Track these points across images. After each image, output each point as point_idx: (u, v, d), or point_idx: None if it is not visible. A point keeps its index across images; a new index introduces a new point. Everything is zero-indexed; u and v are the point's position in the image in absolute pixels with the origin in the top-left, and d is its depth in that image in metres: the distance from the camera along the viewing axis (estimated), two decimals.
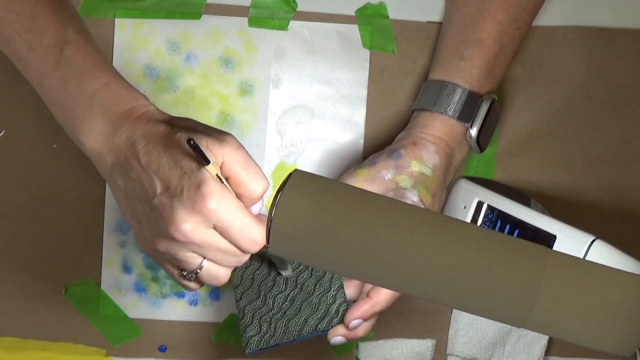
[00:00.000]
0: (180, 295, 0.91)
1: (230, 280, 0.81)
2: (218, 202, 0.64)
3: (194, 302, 0.91)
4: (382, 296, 0.75)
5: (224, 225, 0.65)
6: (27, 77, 0.73)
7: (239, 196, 0.66)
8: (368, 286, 0.76)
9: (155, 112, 0.70)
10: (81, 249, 0.90)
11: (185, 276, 0.69)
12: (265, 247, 0.67)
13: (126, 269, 0.90)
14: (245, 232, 0.66)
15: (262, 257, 0.79)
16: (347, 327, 0.75)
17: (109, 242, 0.90)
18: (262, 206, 0.69)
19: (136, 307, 0.91)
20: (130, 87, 0.71)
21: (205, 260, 0.67)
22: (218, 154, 0.66)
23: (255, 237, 0.66)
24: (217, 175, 0.65)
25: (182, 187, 0.65)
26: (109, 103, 0.70)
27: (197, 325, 0.91)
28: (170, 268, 0.70)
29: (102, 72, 0.71)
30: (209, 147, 0.66)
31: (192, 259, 0.67)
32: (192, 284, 0.70)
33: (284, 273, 0.77)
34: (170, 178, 0.65)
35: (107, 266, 0.90)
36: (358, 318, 0.75)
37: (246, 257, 0.69)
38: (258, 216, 0.67)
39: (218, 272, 0.68)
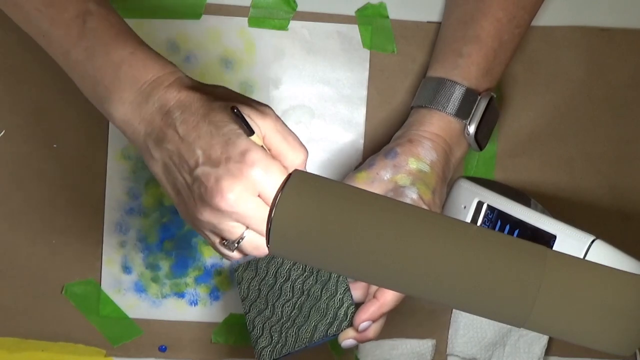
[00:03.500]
0: (180, 295, 0.91)
1: (235, 277, 0.81)
2: (265, 169, 0.64)
3: (193, 302, 0.91)
4: (389, 297, 0.75)
5: (270, 193, 0.64)
6: (51, 53, 0.72)
7: None
8: (374, 287, 0.76)
9: (186, 79, 0.69)
10: (81, 249, 0.90)
11: (226, 245, 0.68)
12: None
13: (126, 269, 0.90)
14: None
15: (267, 267, 0.79)
16: (356, 330, 0.75)
17: (109, 242, 0.90)
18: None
19: (136, 307, 0.91)
20: (157, 55, 0.70)
21: (248, 229, 0.67)
22: (260, 124, 0.66)
23: None
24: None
25: (227, 155, 0.64)
26: (138, 72, 0.69)
27: (197, 325, 0.91)
28: (211, 237, 0.69)
29: (127, 41, 0.70)
30: (251, 117, 0.66)
31: (236, 228, 0.66)
32: (234, 253, 0.69)
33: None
34: (213, 146, 0.64)
35: (107, 266, 0.90)
36: (367, 320, 0.75)
37: None
38: None
39: (260, 242, 0.68)
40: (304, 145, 0.68)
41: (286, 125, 0.68)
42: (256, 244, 0.68)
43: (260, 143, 0.66)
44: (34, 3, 0.71)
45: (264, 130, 0.67)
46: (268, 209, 0.65)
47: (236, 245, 0.68)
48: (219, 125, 0.65)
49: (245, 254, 0.69)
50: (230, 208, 0.64)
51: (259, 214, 0.65)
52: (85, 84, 0.71)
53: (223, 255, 0.70)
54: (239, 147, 0.64)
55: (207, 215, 0.66)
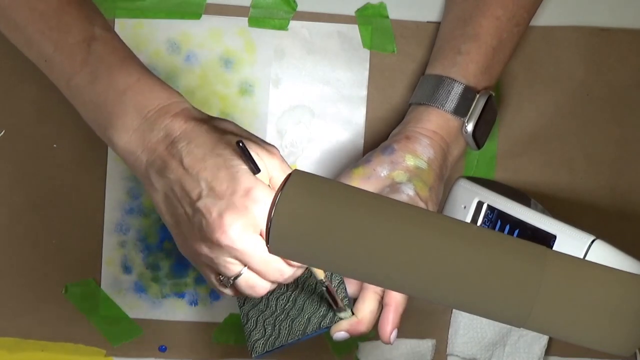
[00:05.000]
0: (180, 295, 0.91)
1: None
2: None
3: (194, 302, 0.91)
4: (399, 298, 0.75)
5: None
6: (53, 78, 0.71)
7: None
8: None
9: (192, 110, 0.68)
10: (81, 249, 0.90)
11: (222, 281, 0.67)
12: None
13: (126, 269, 0.90)
14: None
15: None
16: (389, 343, 0.75)
17: (109, 242, 0.90)
18: None
19: (136, 307, 0.91)
20: (163, 83, 0.69)
21: (246, 268, 0.66)
22: (268, 163, 0.65)
23: None
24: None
25: (232, 189, 0.63)
26: (143, 99, 0.68)
27: (197, 325, 0.91)
28: (207, 271, 0.68)
29: (133, 68, 0.69)
30: (259, 154, 0.65)
31: (233, 265, 0.65)
32: (228, 290, 0.69)
33: (343, 315, 0.75)
34: (218, 179, 0.63)
35: (107, 266, 0.90)
36: (393, 329, 0.75)
37: (289, 274, 0.66)
38: None
39: (257, 283, 0.66)
40: None
41: (290, 167, 0.67)
42: (252, 283, 0.66)
43: (267, 182, 0.65)
44: (37, 25, 0.70)
45: (270, 170, 0.66)
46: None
47: (231, 282, 0.67)
48: (227, 158, 0.64)
49: (239, 293, 0.68)
50: (231, 243, 0.63)
51: (259, 253, 0.64)
52: (87, 109, 0.70)
53: (217, 291, 0.69)
54: (245, 183, 0.63)
55: (205, 249, 0.65)
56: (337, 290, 0.76)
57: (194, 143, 0.65)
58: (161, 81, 0.70)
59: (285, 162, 0.68)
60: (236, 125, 0.68)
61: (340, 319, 0.75)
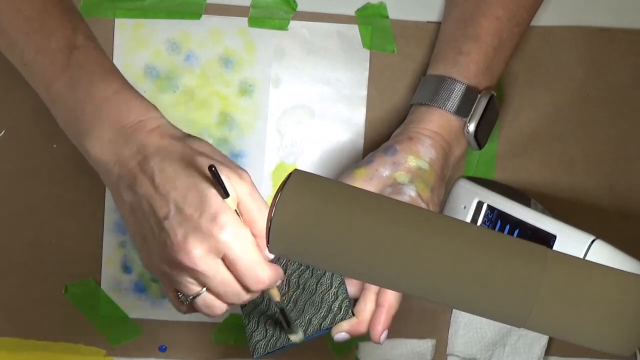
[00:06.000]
0: None
1: None
2: (234, 234, 0.64)
3: None
4: (392, 299, 0.75)
5: (234, 257, 0.64)
6: (32, 82, 0.71)
7: None
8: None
9: (168, 127, 0.69)
10: (81, 249, 0.90)
11: (180, 299, 0.69)
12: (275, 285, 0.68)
13: (126, 269, 0.90)
14: (253, 268, 0.65)
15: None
16: (379, 343, 0.76)
17: (109, 242, 0.90)
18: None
19: (136, 307, 0.91)
20: (141, 97, 0.70)
21: (205, 289, 0.67)
22: (236, 188, 0.66)
23: (261, 276, 0.66)
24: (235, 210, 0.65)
25: (200, 212, 0.64)
26: (120, 112, 0.68)
27: (197, 325, 0.91)
28: (167, 287, 0.69)
29: (113, 79, 0.70)
30: (230, 179, 0.66)
31: (193, 285, 0.67)
32: (183, 308, 0.70)
33: (293, 338, 0.76)
34: (187, 201, 0.64)
35: (107, 266, 0.90)
36: (384, 330, 0.75)
37: (246, 298, 0.68)
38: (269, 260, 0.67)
39: (214, 304, 0.68)
40: None
41: (259, 193, 0.68)
42: (210, 303, 0.67)
43: (234, 207, 0.65)
44: (20, 28, 0.70)
45: (240, 195, 0.66)
46: (228, 273, 0.66)
47: (189, 299, 0.68)
48: (197, 181, 0.64)
49: (195, 311, 0.69)
50: (192, 265, 0.64)
51: (219, 277, 0.65)
52: (64, 115, 0.70)
53: (174, 307, 0.70)
54: (213, 207, 0.64)
55: (166, 268, 0.66)
56: (337, 291, 0.76)
57: (167, 161, 0.66)
58: (140, 95, 0.70)
59: (255, 187, 0.68)
60: (211, 146, 0.69)
61: (332, 325, 0.75)
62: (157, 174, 0.65)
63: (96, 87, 0.69)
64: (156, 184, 0.65)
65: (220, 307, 0.68)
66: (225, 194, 0.64)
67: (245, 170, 0.68)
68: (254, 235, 0.66)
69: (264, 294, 0.72)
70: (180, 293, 0.68)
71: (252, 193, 0.67)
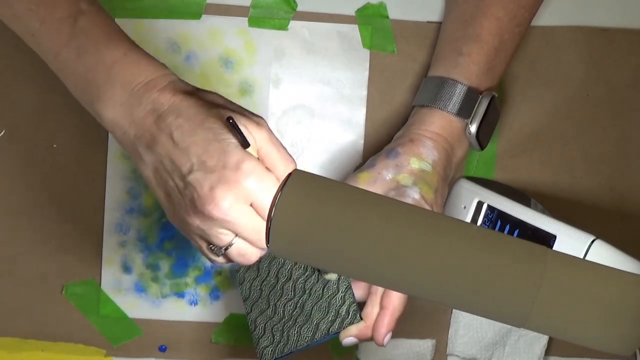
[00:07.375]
0: (180, 295, 0.91)
1: (237, 278, 0.80)
2: (260, 180, 0.65)
3: (193, 302, 0.91)
4: (396, 301, 0.75)
5: (262, 203, 0.65)
6: (41, 53, 0.71)
7: None
8: (376, 286, 0.76)
9: (180, 83, 0.69)
10: (81, 249, 0.90)
11: (213, 250, 0.69)
12: None
13: (126, 269, 0.90)
14: None
15: (269, 267, 0.79)
16: (383, 345, 0.75)
17: (109, 242, 0.90)
18: None
19: (136, 307, 0.91)
20: (150, 57, 0.70)
21: (237, 237, 0.67)
22: (256, 136, 0.67)
23: None
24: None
25: (223, 163, 0.64)
26: (130, 73, 0.68)
27: (197, 325, 0.91)
28: (199, 241, 0.69)
29: (120, 42, 0.70)
30: (247, 128, 0.66)
31: (225, 235, 0.67)
32: (220, 259, 0.70)
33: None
34: (209, 153, 0.65)
35: (107, 266, 0.90)
36: (387, 332, 0.75)
37: None
38: None
39: (248, 251, 0.68)
40: (292, 159, 0.69)
41: (278, 139, 0.69)
42: (243, 251, 0.68)
43: (255, 154, 0.66)
44: (25, 2, 0.70)
45: (259, 142, 0.67)
46: (259, 218, 0.66)
47: (223, 251, 0.68)
48: (216, 132, 0.65)
49: (231, 261, 0.70)
50: (223, 216, 0.65)
51: (250, 223, 0.66)
52: (75, 83, 0.70)
53: (209, 259, 0.70)
54: (235, 156, 0.65)
55: (197, 221, 0.66)
56: (344, 295, 0.76)
57: (183, 117, 0.66)
58: (148, 55, 0.70)
59: (273, 133, 0.68)
60: (223, 97, 0.69)
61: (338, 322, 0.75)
62: (174, 131, 0.66)
63: (104, 52, 0.69)
64: (175, 140, 0.65)
65: (254, 252, 0.68)
66: (245, 143, 0.65)
67: (261, 117, 0.68)
68: (277, 179, 0.67)
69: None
70: (213, 245, 0.68)
71: (271, 138, 0.68)
